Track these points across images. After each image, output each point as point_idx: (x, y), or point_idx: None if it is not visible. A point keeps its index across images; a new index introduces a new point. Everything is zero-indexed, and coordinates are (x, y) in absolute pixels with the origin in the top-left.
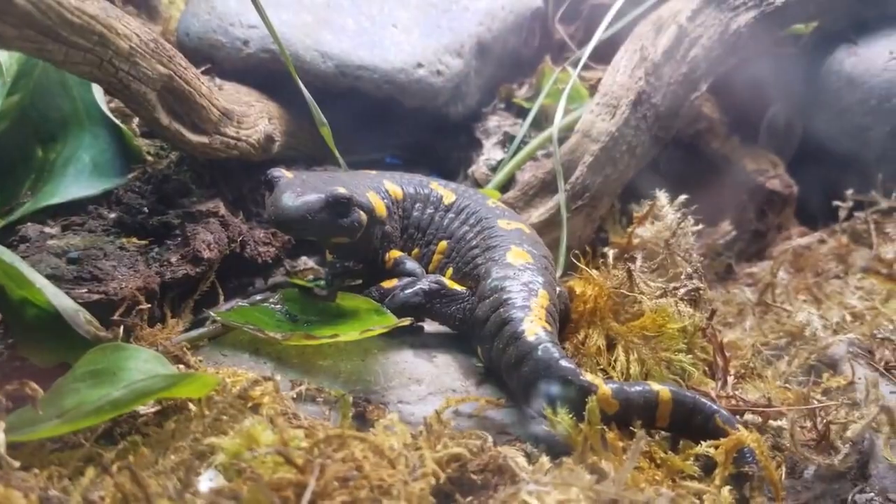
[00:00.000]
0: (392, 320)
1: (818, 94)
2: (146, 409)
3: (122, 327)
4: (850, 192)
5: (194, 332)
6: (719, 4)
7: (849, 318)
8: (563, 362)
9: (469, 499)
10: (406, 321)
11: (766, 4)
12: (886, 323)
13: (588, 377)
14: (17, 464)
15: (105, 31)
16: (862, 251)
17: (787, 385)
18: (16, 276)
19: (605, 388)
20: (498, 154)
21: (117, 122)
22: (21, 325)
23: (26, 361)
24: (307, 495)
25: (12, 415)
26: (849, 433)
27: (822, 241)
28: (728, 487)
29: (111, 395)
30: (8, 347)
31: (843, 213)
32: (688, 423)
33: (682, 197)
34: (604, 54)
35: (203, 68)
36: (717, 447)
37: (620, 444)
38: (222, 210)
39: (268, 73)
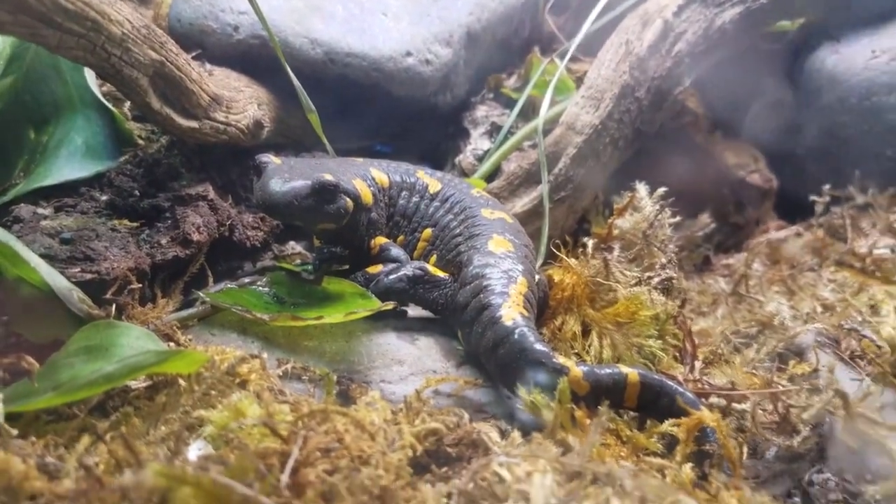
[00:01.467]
0: (376, 304)
1: (801, 91)
2: (137, 383)
3: (114, 306)
4: (826, 187)
5: (184, 312)
6: (705, 0)
7: (819, 309)
8: (538, 346)
9: (444, 469)
10: (389, 305)
11: (752, 1)
12: (856, 314)
13: (561, 360)
14: (14, 432)
15: (98, 16)
16: (837, 245)
17: (753, 371)
18: (11, 256)
19: (577, 371)
20: (485, 144)
21: (109, 105)
22: (17, 302)
23: (22, 338)
24: (290, 463)
25: (10, 387)
26: (806, 416)
27: (798, 235)
28: (690, 465)
29: (104, 369)
30: (4, 324)
31: (819, 209)
32: (655, 404)
33: (662, 189)
34: (592, 46)
35: (194, 54)
36: (678, 425)
37: (588, 421)
38: (211, 194)
39: (258, 58)
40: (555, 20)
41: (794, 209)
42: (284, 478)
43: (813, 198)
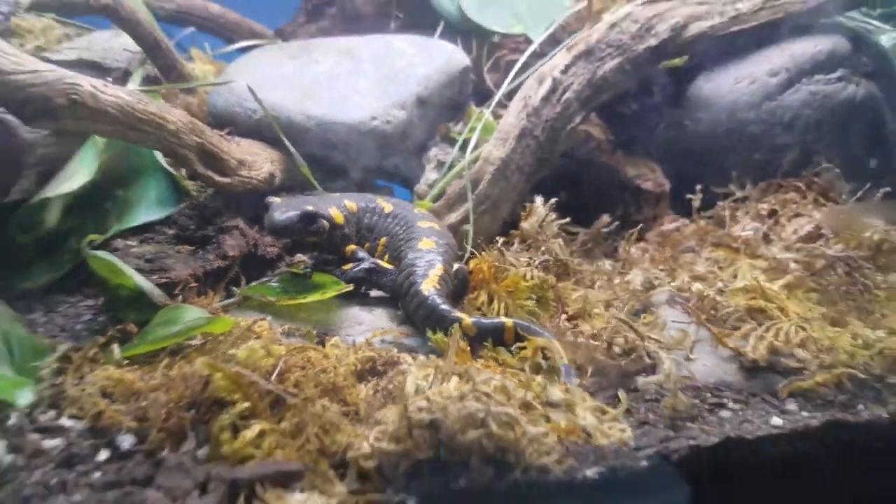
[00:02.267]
0: (341, 287)
1: (688, 113)
2: (196, 341)
3: (179, 297)
4: (698, 187)
5: (225, 302)
6: (587, 57)
7: (686, 279)
8: (443, 306)
9: (375, 379)
10: (349, 288)
11: (630, 51)
12: (720, 283)
13: (457, 314)
14: (126, 361)
15: (161, 120)
16: (719, 232)
17: (609, 322)
18: (115, 270)
19: (468, 321)
20: (434, 175)
21: (171, 170)
22: (120, 299)
23: (125, 321)
24: (276, 370)
25: (123, 345)
26: (619, 341)
27: (685, 226)
28: (541, 375)
29: (174, 329)
30: (110, 315)
31: (696, 204)
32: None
33: (554, 199)
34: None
35: (227, 130)
36: (525, 348)
37: (468, 348)
38: (241, 224)
39: (271, 131)
40: (492, 77)
41: (690, 208)
42: (273, 377)
43: (689, 196)
